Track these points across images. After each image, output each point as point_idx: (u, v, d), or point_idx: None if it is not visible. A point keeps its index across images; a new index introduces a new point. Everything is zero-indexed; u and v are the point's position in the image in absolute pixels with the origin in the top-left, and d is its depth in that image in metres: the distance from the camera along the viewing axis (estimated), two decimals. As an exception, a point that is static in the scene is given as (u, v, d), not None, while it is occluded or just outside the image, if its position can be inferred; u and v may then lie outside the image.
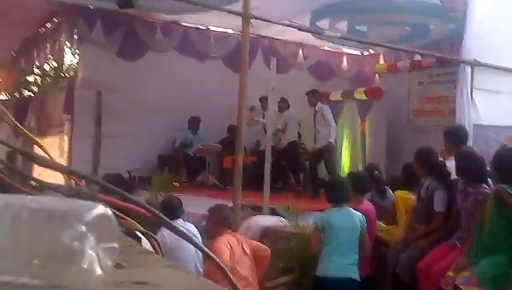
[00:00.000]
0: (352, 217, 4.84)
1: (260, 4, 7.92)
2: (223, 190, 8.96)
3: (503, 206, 4.21)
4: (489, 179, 4.63)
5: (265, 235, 5.88)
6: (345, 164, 10.24)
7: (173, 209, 5.12)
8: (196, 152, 9.98)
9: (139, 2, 6.82)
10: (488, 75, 7.83)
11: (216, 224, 4.56)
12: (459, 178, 4.75)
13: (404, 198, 5.29)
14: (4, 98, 14.55)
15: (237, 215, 6.13)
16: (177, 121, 10.15)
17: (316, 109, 9.38)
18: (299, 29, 7.73)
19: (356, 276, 4.72)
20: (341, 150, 10.55)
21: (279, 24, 7.93)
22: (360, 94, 10.54)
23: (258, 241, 5.62)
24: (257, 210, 6.53)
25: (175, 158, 10.05)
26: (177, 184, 9.25)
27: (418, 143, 7.11)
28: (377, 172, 5.79)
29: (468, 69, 7.75)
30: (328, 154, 9.24)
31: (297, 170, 9.71)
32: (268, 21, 7.23)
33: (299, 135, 10.76)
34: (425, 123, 9.71)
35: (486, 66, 7.71)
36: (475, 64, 7.69)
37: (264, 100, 9.68)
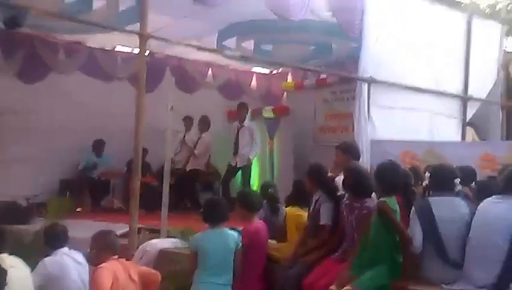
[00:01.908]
0: (226, 239, 4.88)
1: (166, 24, 7.95)
2: (128, 213, 8.74)
3: (385, 219, 4.36)
4: (373, 194, 4.76)
5: (161, 258, 5.78)
6: (255, 181, 10.28)
7: (55, 238, 4.97)
8: (100, 175, 9.78)
9: (30, 22, 6.61)
10: (384, 92, 8.16)
11: (100, 250, 4.43)
12: (345, 192, 4.87)
13: (294, 215, 5.36)
14: None
15: (133, 239, 6.02)
16: (81, 143, 9.90)
17: (245, 124, 9.38)
18: (198, 49, 7.75)
19: None
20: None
21: (177, 44, 7.91)
22: (268, 112, 10.68)
23: (155, 264, 5.56)
24: (156, 233, 6.41)
25: (78, 182, 9.77)
26: (79, 209, 9.00)
27: (323, 159, 7.25)
28: (271, 190, 5.84)
29: (365, 86, 8.03)
30: (246, 173, 9.31)
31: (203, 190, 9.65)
32: (166, 40, 7.19)
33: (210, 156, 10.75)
34: (330, 140, 9.84)
35: (381, 82, 8.04)
36: (371, 81, 8.00)
37: (187, 120, 9.67)
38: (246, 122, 9.48)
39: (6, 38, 9.14)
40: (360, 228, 4.57)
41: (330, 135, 10.03)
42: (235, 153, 9.37)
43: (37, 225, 7.15)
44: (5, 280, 3.40)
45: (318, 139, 10.27)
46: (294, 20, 7.34)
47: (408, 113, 8.32)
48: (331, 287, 4.29)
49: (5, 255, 4.29)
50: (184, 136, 9.90)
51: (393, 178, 4.49)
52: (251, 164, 9.39)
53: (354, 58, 8.44)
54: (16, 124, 9.25)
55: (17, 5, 6.51)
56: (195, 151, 9.71)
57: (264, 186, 6.08)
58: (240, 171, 9.43)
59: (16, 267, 4.25)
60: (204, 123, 9.86)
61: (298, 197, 5.49)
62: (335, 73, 9.63)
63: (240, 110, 9.56)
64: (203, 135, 9.83)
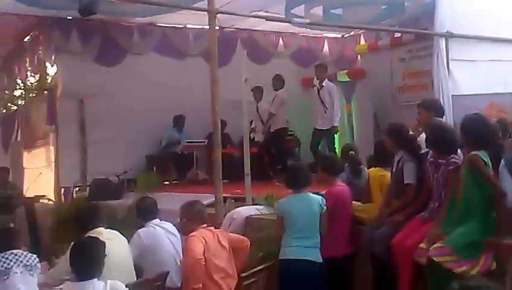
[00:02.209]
0: (310, 203, 4.88)
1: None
2: (212, 184, 8.96)
3: (477, 174, 4.22)
4: (459, 150, 4.63)
5: (248, 225, 5.91)
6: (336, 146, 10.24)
7: (147, 211, 5.19)
8: (183, 149, 10.02)
9: (103, 8, 6.82)
10: (464, 46, 7.82)
11: (189, 220, 4.57)
12: (429, 150, 4.76)
13: (377, 175, 5.29)
14: (-10, 115, 14.74)
15: (219, 208, 6.17)
16: (162, 120, 10.21)
17: (324, 84, 9.23)
18: (267, 19, 7.72)
19: (316, 258, 4.77)
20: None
21: (244, 16, 7.93)
22: (342, 76, 10.55)
23: (242, 231, 5.70)
24: (241, 201, 6.55)
25: (162, 158, 10.08)
26: (166, 182, 9.32)
27: (404, 119, 7.10)
28: (352, 152, 5.78)
29: (443, 41, 7.72)
30: (330, 137, 9.14)
31: (285, 157, 9.68)
32: (233, 14, 7.22)
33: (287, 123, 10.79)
34: (411, 98, 9.63)
35: (459, 36, 7.71)
36: (448, 36, 7.68)
37: (256, 90, 9.73)
38: (325, 82, 9.30)
39: (83, 25, 9.60)
40: (448, 184, 4.45)
41: (409, 93, 9.83)
42: (324, 113, 9.11)
43: (129, 199, 7.51)
44: (105, 251, 3.60)
45: (397, 99, 10.06)
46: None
47: (492, 65, 7.92)
48: (420, 245, 4.23)
49: (102, 229, 4.53)
50: (257, 108, 9.94)
51: (482, 131, 4.32)
52: (336, 126, 9.17)
53: (428, 13, 8.14)
54: (99, 107, 9.72)
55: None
56: (271, 110, 9.63)
57: (345, 149, 6.00)
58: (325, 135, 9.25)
59: (113, 240, 4.46)
60: (279, 81, 9.76)
61: (380, 157, 5.40)
62: (410, 31, 9.34)
63: (319, 71, 9.38)
64: (278, 92, 9.76)
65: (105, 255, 3.59)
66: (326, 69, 9.49)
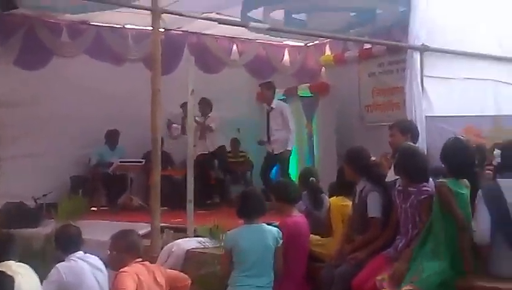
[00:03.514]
0: (264, 235, 4.92)
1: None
2: (149, 211, 8.91)
3: (444, 204, 4.37)
4: (430, 178, 4.76)
5: (189, 259, 5.90)
6: (292, 170, 10.33)
7: (68, 241, 5.10)
8: (115, 170, 9.89)
9: (27, 1, 6.73)
10: (439, 61, 8.06)
11: (120, 253, 4.52)
12: (398, 177, 4.87)
13: (339, 205, 5.38)
14: None
15: (156, 239, 6.14)
16: (91, 135, 10.11)
17: (273, 106, 9.44)
18: (219, 22, 7.80)
19: None
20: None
21: (193, 18, 7.97)
22: (304, 90, 10.70)
23: (182, 267, 5.68)
24: (181, 232, 6.54)
25: (91, 179, 10.01)
26: (94, 208, 9.19)
27: (373, 141, 7.26)
28: (312, 178, 5.85)
29: (417, 55, 7.95)
30: (284, 161, 9.34)
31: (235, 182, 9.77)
32: (181, 14, 7.25)
33: (238, 141, 10.86)
34: (380, 119, 9.88)
35: (435, 50, 7.95)
36: (423, 49, 7.91)
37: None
38: (275, 103, 9.50)
39: (2, 21, 9.37)
40: (419, 215, 4.58)
41: (379, 112, 10.02)
42: (268, 139, 9.44)
43: (48, 227, 7.37)
44: (13, 288, 3.53)
45: (365, 119, 10.26)
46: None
47: (469, 84, 8.19)
48: (378, 277, 4.32)
49: (12, 262, 4.44)
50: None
51: (464, 158, 4.49)
52: (290, 150, 9.40)
53: (402, 24, 8.36)
54: (17, 117, 9.52)
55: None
56: (212, 125, 9.72)
57: (305, 174, 6.05)
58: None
59: (24, 275, 4.39)
60: (207, 105, 9.84)
61: (343, 185, 5.50)
62: (381, 42, 9.57)
63: (264, 90, 9.60)
64: (209, 114, 9.87)
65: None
66: (273, 88, 9.63)
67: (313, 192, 5.73)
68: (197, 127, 9.31)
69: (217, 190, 10.07)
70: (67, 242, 5.11)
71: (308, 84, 10.89)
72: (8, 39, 9.67)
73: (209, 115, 9.85)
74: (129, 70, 10.46)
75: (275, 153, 9.37)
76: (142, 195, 9.69)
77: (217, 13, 8.96)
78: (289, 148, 9.35)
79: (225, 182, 10.12)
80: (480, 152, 5.63)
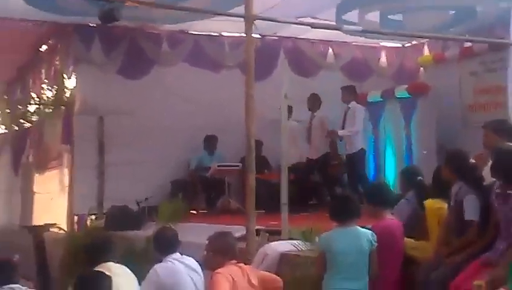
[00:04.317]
0: (358, 238, 4.89)
1: (275, 2, 8.16)
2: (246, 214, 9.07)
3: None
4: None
5: (283, 262, 5.95)
6: (390, 175, 10.18)
7: (166, 243, 5.29)
8: (214, 174, 10.08)
9: (128, 14, 7.02)
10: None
11: (216, 254, 4.65)
12: (496, 180, 4.74)
13: (435, 208, 5.28)
14: (2, 132, 15.21)
15: (251, 242, 6.23)
16: (191, 141, 10.43)
17: (350, 106, 9.56)
18: (313, 27, 7.84)
19: None
20: (384, 159, 10.52)
21: (286, 23, 8.06)
22: (402, 92, 10.51)
23: (276, 270, 5.74)
24: (276, 235, 6.61)
25: (190, 183, 10.25)
26: (193, 211, 9.43)
27: (477, 143, 7.05)
28: (420, 178, 5.78)
29: (519, 52, 7.70)
30: (356, 162, 9.52)
31: (332, 185, 9.77)
32: (272, 20, 7.36)
33: (336, 145, 10.83)
34: (483, 119, 9.52)
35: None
36: (526, 45, 7.64)
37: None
38: (352, 104, 9.64)
39: (106, 33, 9.87)
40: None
41: (481, 113, 9.72)
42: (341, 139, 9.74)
43: (149, 230, 7.62)
44: (111, 288, 3.72)
45: (468, 119, 9.97)
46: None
47: None
48: (475, 282, 4.20)
49: (111, 263, 4.66)
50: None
51: None
52: (361, 151, 9.54)
53: (504, 20, 8.10)
54: (120, 125, 9.96)
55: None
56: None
57: (411, 173, 6.01)
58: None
59: (121, 276, 4.60)
60: (315, 101, 10.01)
61: (438, 188, 5.40)
62: (483, 40, 9.27)
63: (344, 93, 9.78)
64: (315, 113, 10.03)
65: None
66: (351, 90, 9.82)
67: (422, 191, 5.65)
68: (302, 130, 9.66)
69: (315, 193, 10.08)
70: (165, 244, 5.31)
71: (406, 86, 10.69)
72: (111, 50, 10.14)
73: (315, 113, 10.03)
74: (226, 77, 10.68)
75: (349, 153, 9.61)
76: (240, 198, 9.87)
77: (312, 17, 9.02)
78: (356, 150, 9.48)
79: (323, 185, 10.09)
80: None
